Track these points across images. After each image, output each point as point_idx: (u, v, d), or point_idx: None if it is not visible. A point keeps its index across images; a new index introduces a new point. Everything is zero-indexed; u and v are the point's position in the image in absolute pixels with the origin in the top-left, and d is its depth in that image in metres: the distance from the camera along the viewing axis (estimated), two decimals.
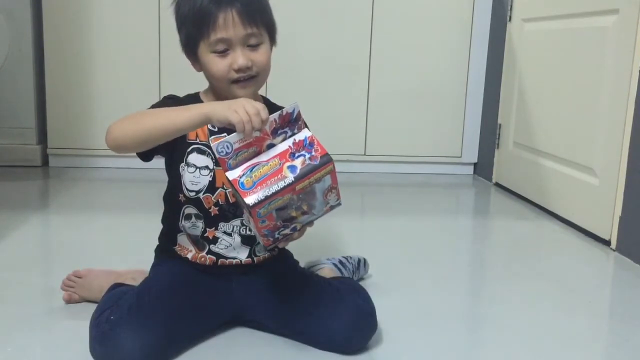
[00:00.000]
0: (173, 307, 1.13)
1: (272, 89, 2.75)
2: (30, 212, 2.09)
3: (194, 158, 1.19)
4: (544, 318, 1.39)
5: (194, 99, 1.24)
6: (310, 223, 1.10)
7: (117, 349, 1.04)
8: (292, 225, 1.06)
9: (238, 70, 1.16)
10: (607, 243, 1.91)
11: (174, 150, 1.19)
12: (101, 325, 1.08)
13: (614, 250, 1.87)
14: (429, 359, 1.19)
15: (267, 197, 0.99)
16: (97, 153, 2.80)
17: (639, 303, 1.52)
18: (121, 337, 1.05)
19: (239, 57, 1.15)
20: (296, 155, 1.02)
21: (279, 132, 1.05)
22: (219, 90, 1.21)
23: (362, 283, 1.45)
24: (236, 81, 1.17)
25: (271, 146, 1.04)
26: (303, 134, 1.04)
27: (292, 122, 1.05)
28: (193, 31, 1.16)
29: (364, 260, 1.52)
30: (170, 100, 1.21)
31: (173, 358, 1.12)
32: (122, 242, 1.81)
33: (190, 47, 1.18)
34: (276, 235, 1.07)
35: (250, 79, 1.18)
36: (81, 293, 1.34)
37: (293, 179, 1.00)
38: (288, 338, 1.20)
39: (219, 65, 1.15)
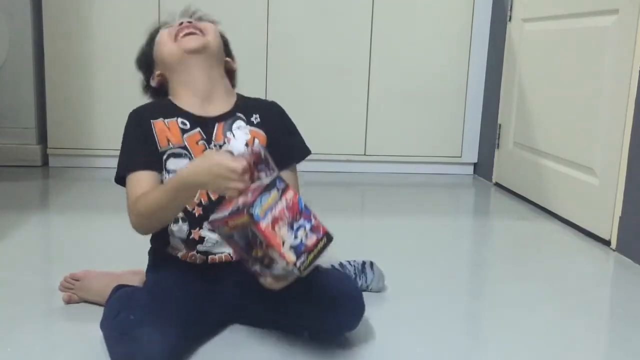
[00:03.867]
0: (183, 307, 1.13)
1: (272, 89, 2.76)
2: (30, 212, 2.09)
3: (172, 164, 1.19)
4: (544, 318, 1.39)
5: (162, 102, 1.28)
6: (280, 280, 1.04)
7: (142, 349, 1.03)
8: (258, 265, 1.04)
9: (181, 24, 1.25)
10: (607, 243, 1.91)
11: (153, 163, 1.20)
12: (121, 326, 1.06)
13: (614, 250, 1.87)
14: (429, 359, 1.19)
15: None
16: (97, 153, 2.80)
17: (639, 303, 1.52)
18: (145, 337, 1.04)
19: (182, 20, 1.27)
20: (295, 227, 0.98)
21: (258, 167, 1.03)
22: (177, 74, 1.25)
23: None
24: (184, 36, 1.24)
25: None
26: (292, 193, 0.99)
27: (263, 161, 1.02)
28: (149, 38, 1.32)
29: (371, 263, 1.48)
30: (132, 124, 1.23)
31: (185, 358, 1.12)
32: (122, 242, 1.80)
33: (148, 54, 1.31)
34: (247, 261, 1.05)
35: (199, 34, 1.24)
36: (80, 294, 1.34)
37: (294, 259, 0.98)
38: (281, 329, 1.20)
39: (165, 32, 1.26)
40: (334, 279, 1.20)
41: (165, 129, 1.20)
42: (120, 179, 1.21)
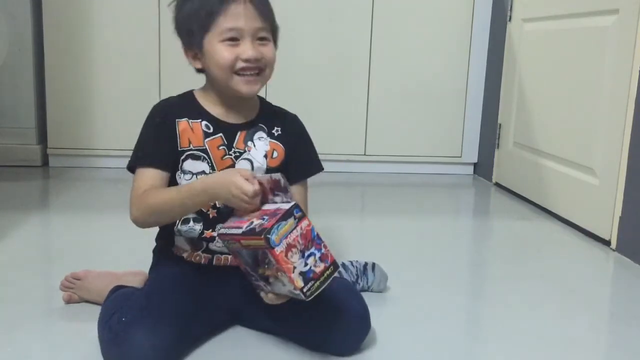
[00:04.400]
0: (182, 307, 1.13)
1: (272, 90, 2.76)
2: (30, 212, 2.09)
3: (189, 165, 1.19)
4: (544, 318, 1.39)
5: (188, 99, 1.24)
6: (280, 297, 1.09)
7: (133, 350, 1.04)
8: (262, 281, 1.08)
9: (246, 61, 1.15)
10: (607, 243, 1.91)
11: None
12: (114, 327, 1.07)
13: (614, 250, 1.87)
14: (429, 359, 1.19)
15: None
16: (97, 153, 2.80)
17: (639, 303, 1.52)
18: (136, 338, 1.04)
19: (249, 48, 1.15)
20: (306, 254, 1.03)
21: (275, 192, 1.08)
22: (219, 85, 1.20)
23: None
24: (241, 74, 1.16)
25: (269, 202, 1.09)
26: (307, 222, 1.04)
27: (282, 189, 1.07)
28: (201, 24, 1.15)
29: (373, 264, 1.48)
30: (158, 119, 1.20)
31: (182, 358, 1.12)
32: (122, 242, 1.81)
33: (197, 39, 1.17)
34: (251, 275, 1.10)
35: (256, 75, 1.18)
36: (80, 294, 1.34)
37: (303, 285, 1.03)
38: (282, 338, 1.20)
39: (226, 53, 1.15)
40: (342, 294, 1.19)
41: (188, 130, 1.19)
42: (131, 168, 1.20)
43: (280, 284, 1.04)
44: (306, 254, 1.02)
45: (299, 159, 1.27)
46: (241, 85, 1.18)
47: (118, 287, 1.25)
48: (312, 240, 1.03)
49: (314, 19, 2.80)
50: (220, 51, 1.15)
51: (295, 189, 1.24)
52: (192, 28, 1.17)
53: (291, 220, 1.01)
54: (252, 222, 1.04)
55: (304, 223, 1.03)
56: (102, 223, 2.05)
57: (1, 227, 1.87)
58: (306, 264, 1.02)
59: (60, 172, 2.73)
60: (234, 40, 1.15)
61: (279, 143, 1.25)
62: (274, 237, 0.99)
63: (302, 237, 1.02)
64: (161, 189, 1.16)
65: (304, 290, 1.02)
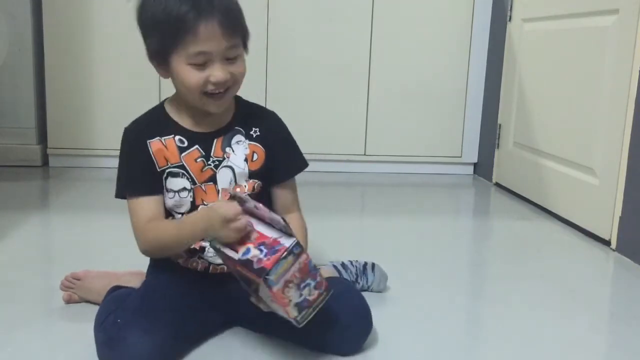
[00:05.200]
0: (177, 309, 1.13)
1: (272, 90, 2.76)
2: (30, 212, 2.09)
3: (170, 183, 1.17)
4: (543, 318, 1.39)
5: (158, 114, 1.20)
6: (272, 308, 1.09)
7: (127, 351, 1.04)
8: (254, 295, 1.09)
9: (216, 84, 1.11)
10: (607, 243, 1.91)
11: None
12: (108, 328, 1.07)
13: (614, 250, 1.87)
14: (429, 359, 1.19)
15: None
16: (97, 153, 2.80)
17: (639, 303, 1.52)
18: (130, 339, 1.04)
19: (219, 72, 1.10)
20: (302, 286, 1.02)
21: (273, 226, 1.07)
22: (187, 101, 1.17)
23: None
24: (210, 94, 1.13)
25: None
26: (305, 256, 1.03)
27: (283, 229, 1.05)
28: (167, 40, 1.09)
29: (373, 264, 1.48)
30: (127, 145, 1.19)
31: (178, 359, 1.12)
32: (122, 243, 1.80)
33: (161, 56, 1.12)
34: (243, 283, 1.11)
35: (224, 92, 1.13)
36: (80, 294, 1.34)
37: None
38: (282, 339, 1.19)
39: (194, 77, 1.10)
40: (342, 293, 1.17)
41: (162, 149, 1.17)
42: (121, 196, 1.21)
43: (274, 305, 1.05)
44: (302, 285, 1.02)
45: (281, 158, 1.23)
46: (210, 105, 1.15)
47: (115, 288, 1.25)
48: (309, 272, 1.02)
49: (314, 19, 2.80)
50: (188, 74, 1.10)
51: (281, 191, 1.23)
52: (154, 38, 1.12)
53: (290, 258, 1.00)
54: (248, 250, 1.03)
55: (302, 257, 1.01)
56: (102, 223, 2.05)
57: (1, 227, 1.87)
58: (301, 295, 1.02)
59: (60, 172, 2.73)
60: (202, 64, 1.10)
61: (258, 144, 1.21)
62: (272, 277, 0.98)
63: (300, 272, 1.01)
64: (161, 225, 1.15)
65: (298, 319, 1.03)
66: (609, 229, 1.90)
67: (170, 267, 1.22)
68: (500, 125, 2.74)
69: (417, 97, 2.89)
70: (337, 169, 2.88)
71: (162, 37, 1.10)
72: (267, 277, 0.98)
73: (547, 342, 1.27)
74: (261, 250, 1.01)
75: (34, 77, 2.74)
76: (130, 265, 1.39)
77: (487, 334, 1.34)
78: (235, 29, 1.11)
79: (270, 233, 1.04)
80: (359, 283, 1.44)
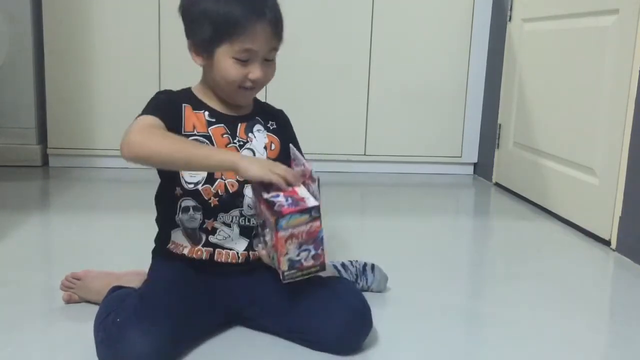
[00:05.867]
0: (177, 308, 1.13)
1: (272, 89, 2.76)
2: (30, 212, 2.09)
3: None
4: (543, 318, 1.39)
5: (186, 93, 1.26)
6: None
7: (126, 351, 1.04)
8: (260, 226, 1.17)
9: (253, 81, 1.20)
10: (607, 243, 1.91)
11: None
12: (108, 328, 1.08)
13: (614, 250, 1.87)
14: (429, 359, 1.19)
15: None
16: (97, 153, 2.80)
17: (639, 303, 1.52)
18: (129, 339, 1.04)
19: (258, 70, 1.19)
20: (303, 247, 1.08)
21: (310, 188, 1.14)
22: (218, 89, 1.23)
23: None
24: (244, 89, 1.21)
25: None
26: (318, 224, 1.08)
27: (317, 187, 1.14)
28: (218, 33, 1.16)
29: (372, 265, 1.48)
30: (163, 95, 1.23)
31: (179, 359, 1.12)
32: (122, 242, 1.81)
33: (208, 46, 1.18)
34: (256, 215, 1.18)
35: (254, 89, 1.23)
36: (80, 294, 1.34)
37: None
38: (282, 337, 1.20)
39: (236, 71, 1.18)
40: (342, 292, 1.19)
41: (193, 116, 1.21)
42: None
43: (272, 252, 1.11)
44: (303, 247, 1.07)
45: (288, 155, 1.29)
46: (240, 97, 1.24)
47: (116, 288, 1.25)
48: (315, 239, 1.08)
49: (314, 19, 2.80)
50: (230, 67, 1.18)
51: None
52: (205, 29, 1.17)
53: (306, 217, 1.06)
54: (277, 195, 1.08)
55: (316, 224, 1.07)
56: (102, 223, 2.05)
57: (1, 227, 1.87)
58: (298, 255, 1.08)
59: (60, 172, 2.73)
60: (246, 60, 1.17)
61: (275, 136, 1.28)
62: (283, 223, 1.05)
63: (307, 234, 1.07)
64: (167, 132, 1.13)
65: (285, 273, 1.09)
66: (609, 229, 1.90)
67: (173, 262, 1.22)
68: (500, 125, 2.74)
69: (417, 97, 2.89)
70: (337, 169, 2.88)
71: (215, 30, 1.16)
72: (280, 218, 1.04)
73: (547, 342, 1.27)
74: (287, 199, 1.08)
75: (34, 77, 2.74)
76: (130, 265, 1.39)
77: (487, 334, 1.34)
78: (281, 34, 1.21)
79: (301, 192, 1.10)
80: (359, 283, 1.44)
